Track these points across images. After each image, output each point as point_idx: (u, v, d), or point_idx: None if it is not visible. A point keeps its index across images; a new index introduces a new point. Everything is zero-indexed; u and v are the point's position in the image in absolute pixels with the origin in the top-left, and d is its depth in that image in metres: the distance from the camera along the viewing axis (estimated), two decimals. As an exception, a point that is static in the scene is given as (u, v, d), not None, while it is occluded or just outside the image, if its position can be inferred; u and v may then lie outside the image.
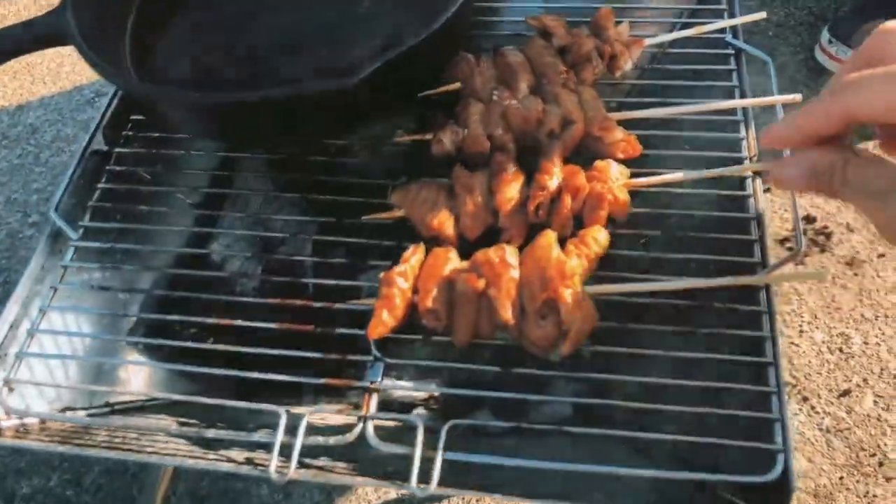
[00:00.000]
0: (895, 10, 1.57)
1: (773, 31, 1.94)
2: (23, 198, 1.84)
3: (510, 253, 0.76)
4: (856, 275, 1.38)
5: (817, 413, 1.25)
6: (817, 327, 1.34)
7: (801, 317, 1.36)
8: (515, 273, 0.74)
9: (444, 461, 0.68)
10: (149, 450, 0.76)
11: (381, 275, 0.77)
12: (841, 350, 1.30)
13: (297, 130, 0.91)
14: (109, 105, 1.03)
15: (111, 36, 1.05)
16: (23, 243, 1.75)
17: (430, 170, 0.90)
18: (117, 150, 0.99)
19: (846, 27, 1.78)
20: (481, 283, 0.74)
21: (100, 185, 0.95)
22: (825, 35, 1.82)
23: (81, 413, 0.84)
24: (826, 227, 1.44)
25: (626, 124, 0.90)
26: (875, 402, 1.27)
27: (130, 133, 1.01)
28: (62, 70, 2.19)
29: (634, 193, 0.83)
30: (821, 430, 1.24)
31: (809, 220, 1.44)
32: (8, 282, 1.68)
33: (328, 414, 0.74)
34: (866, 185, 0.44)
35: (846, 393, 1.25)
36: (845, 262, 1.40)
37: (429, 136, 0.89)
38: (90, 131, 0.99)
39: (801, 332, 1.35)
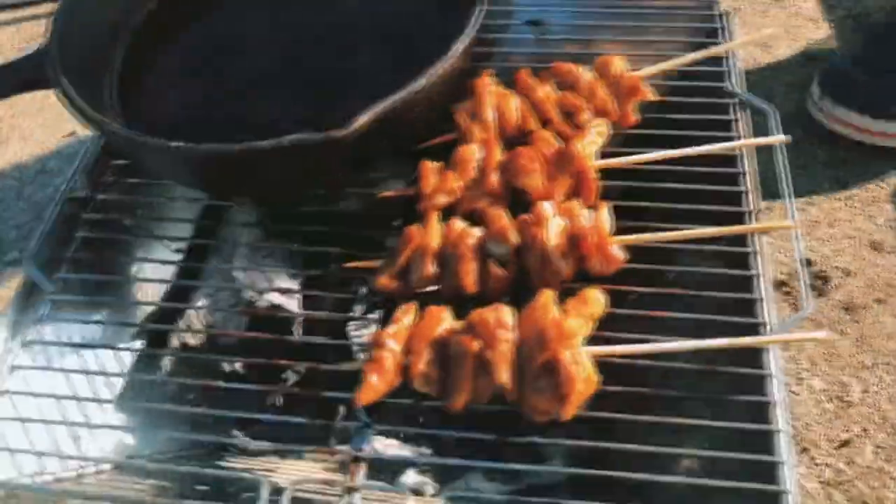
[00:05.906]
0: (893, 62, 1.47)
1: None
2: (0, 234, 1.79)
3: (507, 313, 0.73)
4: (855, 321, 1.35)
5: (817, 465, 1.22)
6: (816, 374, 1.31)
7: (800, 363, 1.33)
8: (512, 334, 0.71)
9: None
10: (123, 522, 0.72)
11: (371, 335, 0.74)
12: (840, 398, 1.27)
13: (284, 181, 0.88)
14: (90, 149, 0.99)
15: (97, 74, 1.02)
16: (-2, 282, 1.69)
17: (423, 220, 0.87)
18: (99, 196, 0.95)
19: (838, 80, 1.46)
20: (476, 345, 0.71)
21: (78, 235, 0.91)
22: (815, 89, 1.48)
23: (49, 478, 0.80)
24: (823, 272, 1.42)
25: (617, 173, 0.88)
26: (876, 452, 1.24)
27: (111, 178, 0.97)
28: (47, 101, 2.16)
29: (629, 248, 0.80)
30: (821, 482, 1.21)
31: (807, 263, 1.42)
32: (-16, 322, 1.62)
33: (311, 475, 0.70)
34: None
35: (846, 443, 1.22)
36: (843, 307, 1.38)
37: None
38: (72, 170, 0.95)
39: (800, 379, 1.32)
